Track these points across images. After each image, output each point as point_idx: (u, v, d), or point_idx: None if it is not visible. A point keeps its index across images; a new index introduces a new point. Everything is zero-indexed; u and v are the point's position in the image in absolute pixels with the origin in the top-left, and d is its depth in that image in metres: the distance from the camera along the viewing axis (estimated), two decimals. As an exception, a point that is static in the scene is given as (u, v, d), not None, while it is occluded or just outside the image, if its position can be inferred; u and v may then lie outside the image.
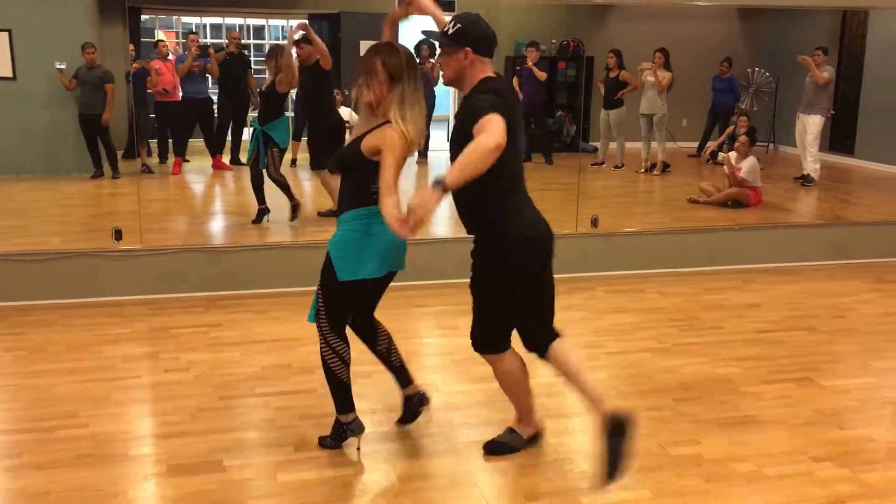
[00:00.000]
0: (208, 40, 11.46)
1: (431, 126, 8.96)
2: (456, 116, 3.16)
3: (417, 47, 8.97)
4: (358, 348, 4.65)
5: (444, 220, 6.51)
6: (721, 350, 4.60)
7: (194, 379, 4.11)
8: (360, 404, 3.83)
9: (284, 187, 6.67)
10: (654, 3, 10.46)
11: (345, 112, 7.57)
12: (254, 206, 6.70)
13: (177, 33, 11.71)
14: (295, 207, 6.69)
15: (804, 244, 6.63)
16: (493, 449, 3.36)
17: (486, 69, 3.05)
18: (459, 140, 2.90)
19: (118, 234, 5.62)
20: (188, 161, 9.09)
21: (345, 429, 3.33)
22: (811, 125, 8.96)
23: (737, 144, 8.23)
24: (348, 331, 3.29)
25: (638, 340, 4.75)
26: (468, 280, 3.18)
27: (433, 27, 3.30)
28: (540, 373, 3.46)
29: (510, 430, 3.40)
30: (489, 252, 3.10)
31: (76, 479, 3.14)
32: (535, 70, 9.83)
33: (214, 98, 9.68)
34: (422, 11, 3.36)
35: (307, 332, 4.77)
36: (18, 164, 8.01)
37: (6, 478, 3.16)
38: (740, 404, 3.88)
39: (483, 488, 3.11)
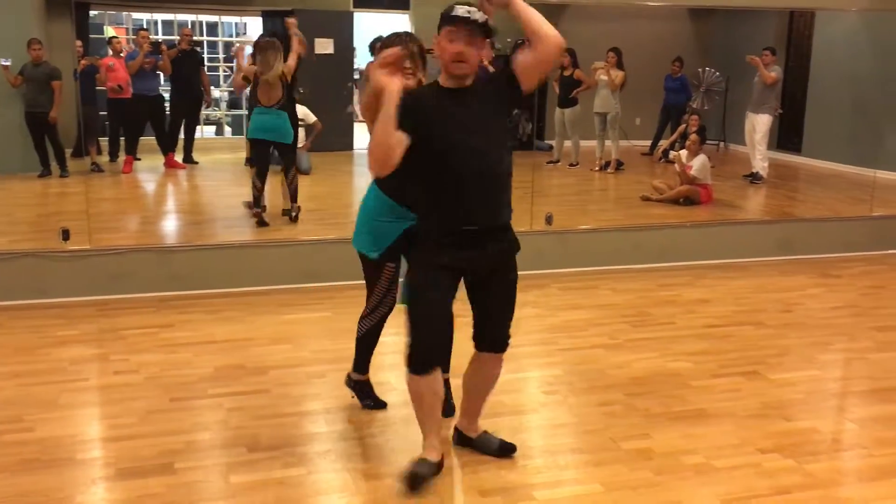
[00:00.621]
0: (160, 37, 11.29)
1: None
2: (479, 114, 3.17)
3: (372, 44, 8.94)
4: (314, 347, 4.61)
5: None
6: (672, 345, 4.67)
7: (145, 381, 4.05)
8: (313, 404, 3.83)
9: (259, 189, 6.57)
10: (607, 3, 10.57)
11: (301, 110, 7.50)
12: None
13: (127, 29, 11.51)
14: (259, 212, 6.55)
15: (753, 240, 6.77)
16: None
17: None
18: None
19: (66, 234, 5.50)
20: (139, 159, 8.94)
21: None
22: (760, 124, 9.14)
23: (688, 143, 8.37)
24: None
25: (591, 336, 4.80)
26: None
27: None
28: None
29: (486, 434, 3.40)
30: (515, 243, 3.19)
31: (21, 484, 3.07)
32: (490, 68, 9.83)
33: (166, 96, 9.56)
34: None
35: (260, 333, 4.74)
36: (-37, 162, 7.81)
37: (-52, 484, 3.08)
38: (690, 398, 3.95)
39: (437, 485, 3.11)
